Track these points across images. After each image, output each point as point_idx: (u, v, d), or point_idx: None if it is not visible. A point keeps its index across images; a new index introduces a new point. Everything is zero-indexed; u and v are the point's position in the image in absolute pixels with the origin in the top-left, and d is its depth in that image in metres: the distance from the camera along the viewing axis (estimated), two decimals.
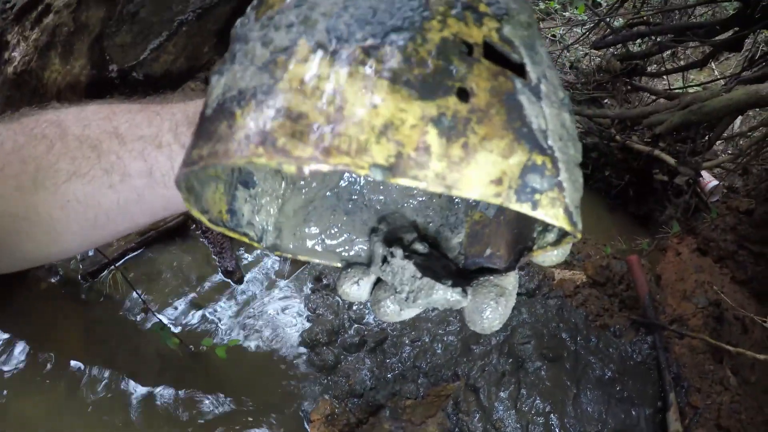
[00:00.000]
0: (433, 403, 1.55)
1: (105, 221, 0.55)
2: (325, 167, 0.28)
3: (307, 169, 0.28)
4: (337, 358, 1.67)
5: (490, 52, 0.31)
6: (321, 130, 0.28)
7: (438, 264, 0.43)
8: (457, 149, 0.28)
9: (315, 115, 0.28)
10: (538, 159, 0.30)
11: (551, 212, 0.30)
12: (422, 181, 0.28)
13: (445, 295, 0.40)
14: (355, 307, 1.79)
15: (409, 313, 0.42)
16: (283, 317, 1.77)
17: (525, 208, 0.29)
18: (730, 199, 2.48)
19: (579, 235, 0.33)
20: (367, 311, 1.79)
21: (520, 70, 0.32)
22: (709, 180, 2.60)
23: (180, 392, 1.52)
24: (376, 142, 0.28)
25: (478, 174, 0.29)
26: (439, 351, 1.69)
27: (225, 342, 1.61)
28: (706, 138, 2.58)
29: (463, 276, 0.42)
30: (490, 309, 0.40)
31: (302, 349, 1.70)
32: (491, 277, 0.41)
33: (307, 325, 1.75)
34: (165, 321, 1.65)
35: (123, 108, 0.53)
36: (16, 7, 0.91)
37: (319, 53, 0.30)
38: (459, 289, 0.40)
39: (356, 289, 0.43)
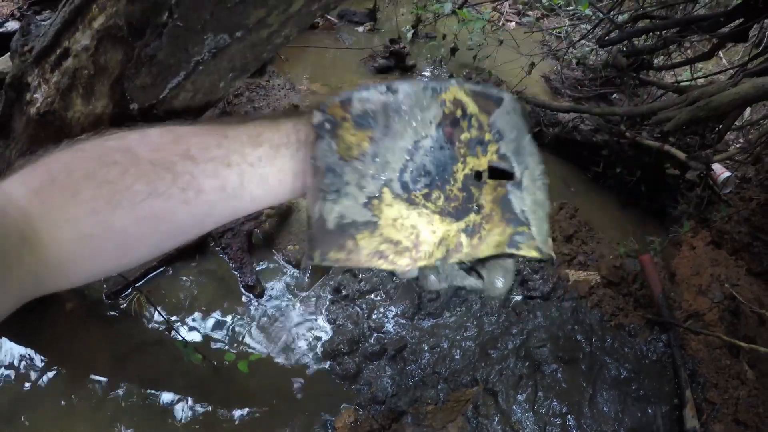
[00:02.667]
0: (453, 408, 1.58)
1: (177, 233, 0.62)
2: (414, 266, 0.51)
3: (404, 270, 0.51)
4: (359, 366, 1.71)
5: (492, 170, 0.51)
6: (410, 250, 0.50)
7: None
8: (476, 240, 0.51)
9: (406, 241, 0.50)
10: (520, 228, 0.52)
11: (528, 251, 0.52)
12: (458, 258, 0.51)
13: (471, 283, 0.58)
14: (374, 316, 1.83)
15: (445, 285, 0.58)
16: (304, 329, 1.81)
17: (512, 251, 0.52)
18: (743, 190, 2.47)
19: (547, 257, 0.53)
20: (385, 320, 1.83)
21: (510, 175, 0.51)
22: (721, 171, 2.59)
23: (207, 406, 1.56)
24: (437, 249, 0.50)
25: (487, 248, 0.51)
26: (457, 356, 1.72)
27: (248, 355, 1.65)
28: (716, 130, 2.59)
29: (480, 261, 0.59)
30: (500, 281, 0.57)
31: (324, 360, 1.73)
32: (498, 260, 0.57)
33: (328, 335, 1.79)
34: (188, 337, 1.69)
35: (188, 131, 0.60)
36: (34, 51, 0.95)
37: (398, 200, 0.49)
38: (481, 280, 0.57)
39: (411, 271, 0.58)
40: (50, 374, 1.57)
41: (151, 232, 0.59)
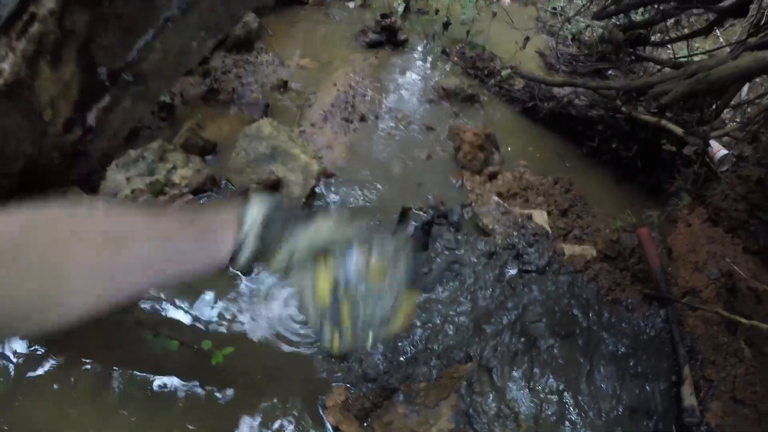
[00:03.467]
0: (446, 385, 1.54)
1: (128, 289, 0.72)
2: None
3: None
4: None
5: None
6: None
7: None
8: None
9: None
10: None
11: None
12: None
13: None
14: None
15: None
16: (293, 306, 1.75)
17: None
18: (740, 168, 2.44)
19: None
20: None
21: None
22: (718, 149, 2.56)
23: (198, 387, 1.51)
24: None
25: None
26: (450, 332, 1.67)
27: (228, 341, 1.60)
28: (714, 107, 2.54)
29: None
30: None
31: (314, 337, 1.68)
32: None
33: None
34: (176, 318, 1.65)
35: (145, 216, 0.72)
36: (1, 20, 0.89)
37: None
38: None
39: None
40: (44, 361, 1.51)
41: (106, 286, 0.69)
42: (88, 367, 1.52)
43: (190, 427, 1.44)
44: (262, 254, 0.80)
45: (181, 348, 1.55)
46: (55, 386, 1.46)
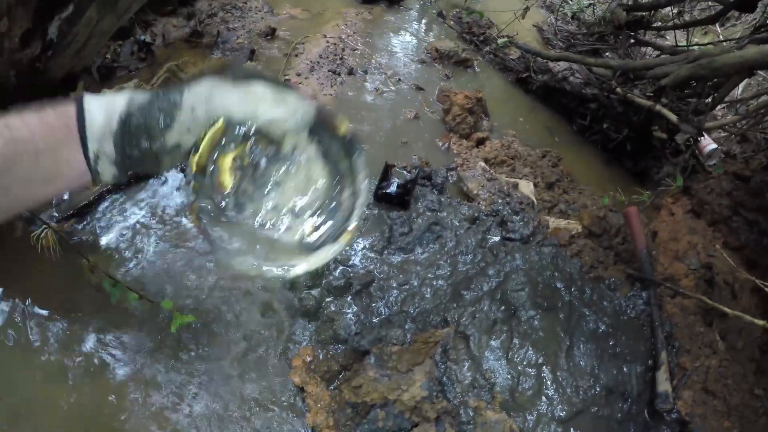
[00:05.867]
0: (420, 350, 1.46)
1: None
2: None
3: None
4: (320, 302, 1.57)
5: None
6: None
7: None
8: None
9: None
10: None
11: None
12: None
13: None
14: None
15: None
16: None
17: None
18: (727, 164, 2.41)
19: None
20: (353, 252, 1.69)
21: None
22: (708, 143, 2.52)
23: (159, 342, 1.43)
24: None
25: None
26: (428, 295, 1.59)
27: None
28: (710, 98, 2.49)
29: None
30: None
31: (285, 293, 1.59)
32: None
33: None
34: (136, 272, 1.56)
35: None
36: None
37: None
38: None
39: None
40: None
41: None
42: (43, 313, 1.44)
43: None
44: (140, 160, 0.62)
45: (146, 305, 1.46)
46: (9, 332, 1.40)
